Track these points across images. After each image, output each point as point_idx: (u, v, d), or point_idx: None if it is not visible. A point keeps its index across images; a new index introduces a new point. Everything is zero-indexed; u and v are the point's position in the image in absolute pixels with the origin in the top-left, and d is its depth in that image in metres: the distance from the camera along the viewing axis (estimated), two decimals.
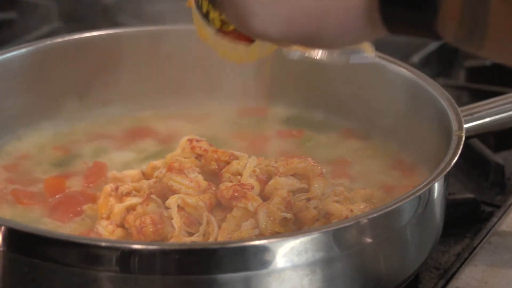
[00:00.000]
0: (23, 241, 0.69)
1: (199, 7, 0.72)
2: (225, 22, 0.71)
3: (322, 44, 0.69)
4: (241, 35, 0.71)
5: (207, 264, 0.67)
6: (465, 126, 0.81)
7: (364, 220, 0.70)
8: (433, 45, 1.17)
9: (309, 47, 0.72)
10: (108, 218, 0.78)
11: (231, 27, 0.71)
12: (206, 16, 0.72)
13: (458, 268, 0.81)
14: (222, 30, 0.72)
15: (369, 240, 0.71)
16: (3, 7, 1.27)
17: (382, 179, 0.86)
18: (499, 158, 0.96)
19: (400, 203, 0.71)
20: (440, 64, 1.15)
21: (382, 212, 0.70)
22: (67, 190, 0.85)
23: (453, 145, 0.77)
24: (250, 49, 0.75)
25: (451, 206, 0.86)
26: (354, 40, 0.69)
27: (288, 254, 0.67)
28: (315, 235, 0.68)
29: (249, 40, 0.72)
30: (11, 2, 1.28)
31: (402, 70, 0.91)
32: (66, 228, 0.79)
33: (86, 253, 0.68)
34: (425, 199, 0.74)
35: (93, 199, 0.82)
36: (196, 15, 0.73)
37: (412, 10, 0.61)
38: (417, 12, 0.61)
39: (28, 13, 1.25)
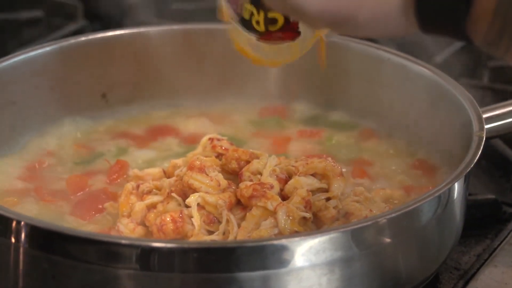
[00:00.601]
0: (44, 238, 0.69)
1: (238, 16, 0.73)
2: (271, 21, 0.72)
3: (355, 28, 0.69)
4: (285, 32, 0.72)
5: (226, 262, 0.67)
6: (487, 126, 0.81)
7: (383, 220, 0.70)
8: (456, 45, 1.16)
9: (341, 30, 0.72)
10: (129, 216, 0.78)
11: (278, 25, 0.72)
12: (248, 22, 0.73)
13: (478, 269, 0.81)
14: (266, 33, 0.73)
15: (388, 240, 0.71)
16: (30, 5, 1.27)
17: (403, 179, 0.85)
18: None
19: (419, 203, 0.70)
20: (464, 64, 1.15)
21: (401, 212, 0.70)
22: (89, 188, 0.85)
23: (473, 146, 0.77)
24: (291, 48, 0.75)
25: (472, 207, 0.86)
26: (385, 31, 0.69)
27: (307, 254, 0.67)
28: (333, 234, 0.68)
29: (292, 36, 0.73)
30: (37, 1, 1.28)
31: (423, 70, 0.91)
32: (88, 225, 0.79)
33: (107, 250, 0.68)
34: (445, 199, 0.74)
35: (115, 197, 0.82)
36: (231, 27, 0.74)
37: (446, 6, 0.62)
38: (451, 9, 0.62)
39: (54, 12, 1.25)
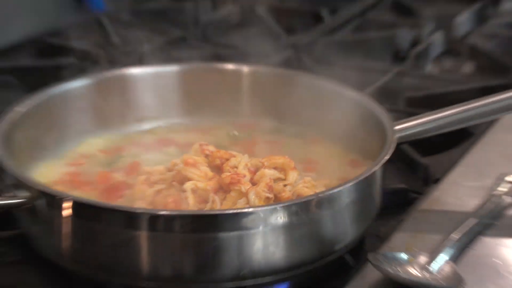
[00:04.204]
0: (84, 210, 0.75)
1: None
2: None
3: None
4: None
5: (211, 225, 0.73)
6: (398, 135, 0.88)
7: (321, 196, 0.77)
8: (382, 81, 1.24)
9: None
10: (141, 199, 0.83)
11: None
12: None
13: (390, 235, 0.87)
14: None
15: (325, 211, 0.77)
16: (65, 53, 1.33)
17: (339, 173, 0.91)
18: (425, 160, 1.02)
19: (345, 186, 0.78)
20: (386, 94, 1.21)
21: (334, 191, 0.77)
22: (112, 181, 0.90)
23: (386, 148, 0.84)
24: None
25: (389, 193, 0.91)
26: None
27: (269, 219, 0.74)
28: (286, 206, 0.75)
29: None
30: (70, 50, 1.34)
31: (356, 96, 0.97)
32: None
33: (128, 217, 0.74)
34: (366, 183, 0.81)
35: (131, 187, 0.87)
36: None
37: None
38: None
39: (83, 58, 1.30)
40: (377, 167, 0.82)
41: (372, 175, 0.82)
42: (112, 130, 1.01)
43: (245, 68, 1.04)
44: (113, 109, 1.02)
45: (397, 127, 0.90)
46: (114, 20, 1.49)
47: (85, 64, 1.27)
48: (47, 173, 0.91)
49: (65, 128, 0.97)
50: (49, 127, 0.96)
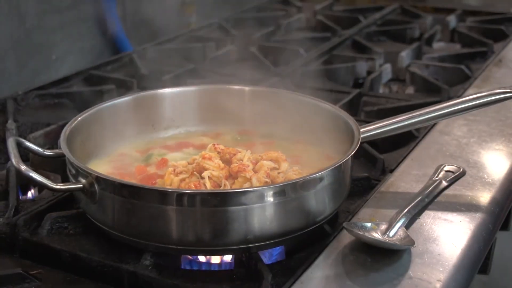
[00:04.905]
0: (127, 190, 0.76)
1: None
2: None
3: None
4: None
5: (224, 201, 0.75)
6: (363, 135, 0.90)
7: (305, 179, 0.78)
8: (346, 99, 1.24)
9: None
10: (170, 185, 0.84)
11: None
12: None
13: (358, 210, 0.89)
14: None
15: (309, 191, 0.78)
16: (105, 82, 1.32)
17: (318, 165, 0.91)
18: (382, 156, 1.03)
19: (323, 171, 0.79)
20: (351, 107, 1.24)
21: (315, 175, 0.79)
22: (146, 172, 0.91)
23: (355, 143, 0.86)
24: None
25: (356, 180, 0.94)
26: None
27: (268, 196, 0.75)
28: (280, 186, 0.77)
29: None
30: (110, 80, 1.34)
31: (329, 107, 0.97)
32: None
33: (161, 195, 0.75)
34: (338, 169, 0.81)
35: (161, 177, 0.87)
36: None
37: None
38: None
39: (120, 86, 1.30)
40: (347, 157, 0.83)
41: (344, 164, 0.83)
42: (145, 136, 1.01)
43: (246, 88, 1.05)
44: (145, 120, 1.02)
45: (362, 129, 0.92)
46: (141, 57, 1.50)
47: (121, 90, 1.28)
48: (97, 167, 0.91)
49: (109, 134, 0.97)
50: (98, 133, 0.96)
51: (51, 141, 1.10)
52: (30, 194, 1.02)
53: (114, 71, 1.43)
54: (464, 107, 0.96)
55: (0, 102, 1.23)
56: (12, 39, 1.41)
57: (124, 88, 1.30)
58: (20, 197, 0.96)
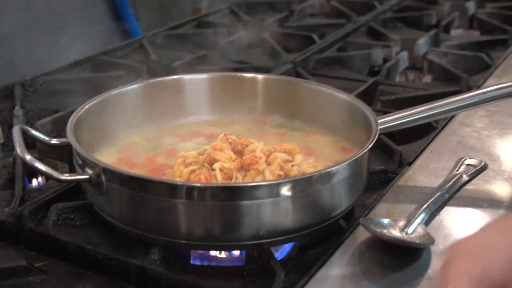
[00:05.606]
0: (136, 183, 0.74)
1: None
2: None
3: None
4: None
5: (237, 195, 0.72)
6: (380, 127, 0.86)
7: (321, 173, 0.75)
8: (361, 89, 1.21)
9: None
10: (179, 177, 0.81)
11: None
12: None
13: (375, 205, 0.86)
14: None
15: (324, 185, 0.75)
16: (115, 68, 1.29)
17: (333, 157, 0.89)
18: (400, 148, 1.00)
19: (340, 165, 0.76)
20: (367, 97, 1.19)
21: (331, 169, 0.76)
22: (156, 163, 0.88)
23: (372, 137, 0.82)
24: None
25: (373, 174, 0.91)
26: None
27: (281, 191, 0.72)
28: (294, 180, 0.74)
29: None
30: (120, 66, 1.30)
31: (345, 97, 0.94)
32: None
33: (170, 188, 0.72)
34: (355, 163, 0.78)
35: (171, 167, 0.85)
36: None
37: None
38: None
39: (130, 72, 1.27)
40: (365, 150, 0.80)
41: (361, 157, 0.80)
42: (154, 124, 0.98)
43: (259, 76, 1.02)
44: (154, 108, 0.99)
45: (380, 121, 0.89)
46: (152, 43, 1.48)
47: (130, 76, 1.25)
48: (105, 157, 0.89)
49: (117, 123, 0.95)
50: (106, 122, 0.93)
51: (59, 128, 1.08)
52: (36, 182, 1.00)
53: (123, 56, 1.41)
54: (485, 98, 0.93)
55: (8, 88, 1.21)
56: (20, 24, 1.39)
57: (133, 74, 1.26)
58: (27, 185, 0.94)
